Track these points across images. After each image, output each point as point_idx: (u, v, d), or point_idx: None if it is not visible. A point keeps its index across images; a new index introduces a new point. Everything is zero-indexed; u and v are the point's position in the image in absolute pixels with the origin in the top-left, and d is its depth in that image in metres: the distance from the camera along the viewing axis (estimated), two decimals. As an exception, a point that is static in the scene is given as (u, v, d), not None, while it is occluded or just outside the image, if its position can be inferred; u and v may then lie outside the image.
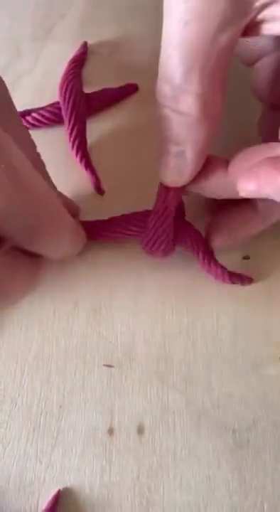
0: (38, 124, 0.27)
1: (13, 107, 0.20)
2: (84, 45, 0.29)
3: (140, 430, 0.22)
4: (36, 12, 0.31)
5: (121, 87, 0.28)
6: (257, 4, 0.16)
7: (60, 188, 0.27)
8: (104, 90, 0.28)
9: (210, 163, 0.20)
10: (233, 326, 0.23)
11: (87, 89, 0.28)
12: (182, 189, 0.21)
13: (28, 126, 0.27)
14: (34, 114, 0.26)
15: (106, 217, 0.25)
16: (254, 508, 0.20)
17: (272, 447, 0.21)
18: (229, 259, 0.25)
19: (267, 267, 0.25)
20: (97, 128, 0.27)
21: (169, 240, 0.22)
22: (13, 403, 0.22)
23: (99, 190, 0.26)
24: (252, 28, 0.17)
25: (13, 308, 0.24)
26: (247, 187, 0.18)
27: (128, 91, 0.28)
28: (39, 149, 0.27)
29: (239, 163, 0.19)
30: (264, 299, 0.24)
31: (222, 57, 0.17)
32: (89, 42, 0.30)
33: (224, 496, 0.21)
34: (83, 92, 0.27)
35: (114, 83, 0.28)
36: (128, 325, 0.23)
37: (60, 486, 0.21)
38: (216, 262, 0.23)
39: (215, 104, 0.18)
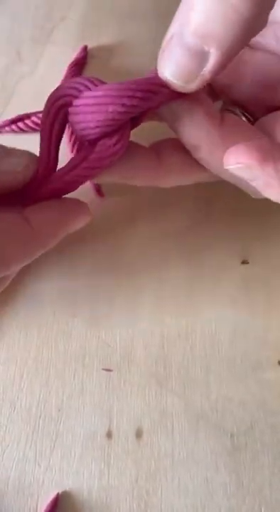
0: (38, 128, 0.27)
1: None
2: (84, 48, 0.29)
3: (138, 433, 0.22)
4: (36, 15, 0.31)
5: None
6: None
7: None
8: None
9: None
10: (231, 330, 0.24)
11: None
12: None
13: (28, 129, 0.27)
14: (34, 118, 0.26)
15: (108, 220, 0.25)
16: (251, 511, 0.21)
17: (270, 451, 0.21)
18: (227, 264, 0.25)
19: (266, 272, 0.25)
20: None
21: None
22: (12, 406, 0.22)
23: (99, 193, 0.26)
24: None
25: (12, 312, 0.24)
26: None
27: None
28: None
29: None
30: (263, 303, 0.24)
31: None
32: (89, 45, 0.30)
33: (221, 499, 0.21)
34: None
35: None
36: (127, 329, 0.23)
37: (59, 489, 0.21)
38: None
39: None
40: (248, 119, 0.21)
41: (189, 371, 0.23)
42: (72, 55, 0.29)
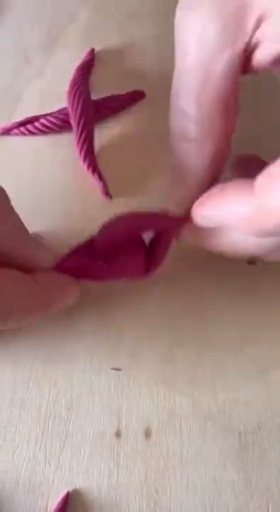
0: (47, 130, 0.27)
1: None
2: (91, 51, 0.30)
3: (147, 433, 0.22)
4: (44, 20, 0.31)
5: (128, 94, 0.28)
6: (249, 27, 0.16)
7: (68, 193, 0.27)
8: (112, 97, 0.28)
9: None
10: (238, 332, 0.24)
11: (95, 96, 0.28)
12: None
13: (36, 131, 0.27)
14: (42, 120, 0.27)
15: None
16: (259, 508, 0.21)
17: (277, 449, 0.22)
18: (233, 264, 0.25)
19: (273, 273, 0.25)
20: (105, 133, 0.28)
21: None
22: (23, 407, 0.22)
23: (106, 194, 0.26)
24: (250, 53, 0.17)
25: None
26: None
27: (135, 97, 0.29)
28: (48, 154, 0.28)
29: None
30: (270, 304, 0.24)
31: (219, 84, 0.17)
32: (96, 49, 0.30)
33: (230, 497, 0.21)
34: (90, 98, 0.28)
35: (121, 89, 0.29)
36: (135, 330, 0.24)
37: (69, 488, 0.21)
38: None
39: (215, 130, 0.18)
40: None
41: (197, 372, 0.23)
42: (79, 58, 0.30)
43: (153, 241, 0.23)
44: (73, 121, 0.27)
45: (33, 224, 0.26)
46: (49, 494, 0.21)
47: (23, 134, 0.27)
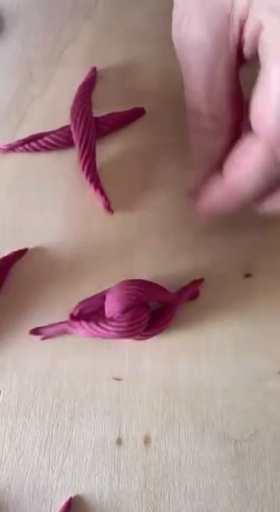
0: (50, 147, 0.28)
1: None
2: (93, 70, 0.31)
3: (147, 440, 0.23)
4: (47, 37, 0.33)
5: (129, 111, 0.29)
6: (235, 31, 0.18)
7: (70, 208, 0.28)
8: (113, 114, 0.29)
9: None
10: (235, 342, 0.25)
11: (97, 113, 0.29)
12: None
13: (40, 148, 0.28)
14: (46, 138, 0.28)
15: (116, 234, 0.26)
16: (255, 515, 0.22)
17: (272, 457, 0.23)
18: (230, 277, 0.26)
19: (269, 285, 0.26)
20: (106, 150, 0.29)
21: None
22: (27, 414, 0.23)
23: (108, 209, 0.27)
24: (241, 49, 0.19)
25: (26, 321, 0.25)
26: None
27: (135, 114, 0.30)
28: (52, 171, 0.29)
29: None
30: (266, 315, 0.25)
31: (222, 87, 0.20)
32: (98, 67, 0.31)
33: (226, 504, 0.22)
34: (93, 115, 0.29)
35: (122, 106, 0.30)
36: (135, 340, 0.25)
37: (72, 494, 0.22)
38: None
39: (227, 122, 0.21)
40: None
41: (195, 381, 0.24)
42: (81, 76, 0.31)
43: (158, 309, 0.25)
44: (76, 138, 0.27)
45: (36, 237, 0.27)
46: (52, 500, 0.22)
47: (27, 151, 0.28)
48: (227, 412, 0.23)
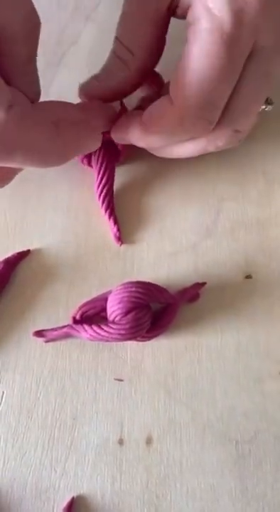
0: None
1: None
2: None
3: (148, 441, 0.23)
4: (49, 39, 0.33)
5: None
6: None
7: (72, 209, 0.28)
8: None
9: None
10: (236, 344, 0.25)
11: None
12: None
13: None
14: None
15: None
16: (255, 515, 0.22)
17: (272, 458, 0.23)
18: (230, 279, 0.26)
19: (269, 286, 0.26)
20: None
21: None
22: (29, 415, 0.24)
23: (118, 240, 0.27)
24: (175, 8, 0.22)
25: (29, 323, 0.25)
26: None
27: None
28: (54, 172, 0.28)
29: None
30: (266, 317, 0.25)
31: (150, 27, 0.22)
32: (99, 69, 0.31)
33: (227, 504, 0.22)
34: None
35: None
36: (137, 341, 0.25)
37: (74, 493, 0.22)
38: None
39: (139, 61, 0.23)
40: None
41: (196, 382, 0.24)
42: (82, 78, 0.31)
43: (160, 310, 0.25)
44: (95, 165, 0.27)
45: (38, 239, 0.27)
46: (55, 499, 0.22)
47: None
48: (228, 414, 0.24)
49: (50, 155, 0.21)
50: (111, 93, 0.25)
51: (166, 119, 0.22)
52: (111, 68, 0.24)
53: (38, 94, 0.24)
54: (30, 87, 0.23)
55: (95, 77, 0.25)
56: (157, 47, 0.23)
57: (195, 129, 0.22)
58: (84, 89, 0.25)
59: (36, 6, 0.22)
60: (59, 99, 0.30)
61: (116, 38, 0.23)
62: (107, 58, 0.24)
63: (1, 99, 0.19)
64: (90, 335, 0.23)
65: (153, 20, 0.22)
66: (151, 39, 0.22)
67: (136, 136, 0.23)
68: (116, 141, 0.25)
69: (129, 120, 0.24)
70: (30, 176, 0.28)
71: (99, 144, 0.24)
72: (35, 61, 0.23)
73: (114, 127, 0.25)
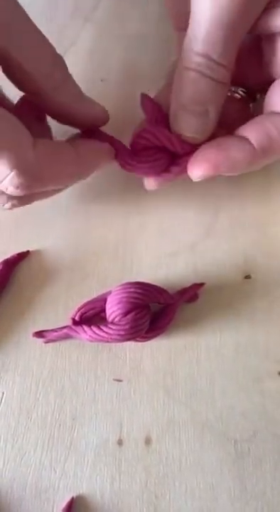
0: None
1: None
2: None
3: (147, 441, 0.23)
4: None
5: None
6: None
7: (71, 210, 0.28)
8: None
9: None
10: (235, 343, 0.25)
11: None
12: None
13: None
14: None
15: (117, 235, 0.27)
16: (254, 514, 0.22)
17: (271, 457, 0.23)
18: (229, 278, 0.26)
19: (268, 286, 0.26)
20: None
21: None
22: (29, 415, 0.24)
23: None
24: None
25: (29, 324, 0.25)
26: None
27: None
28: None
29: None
30: (265, 317, 0.25)
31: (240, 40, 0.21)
32: (99, 70, 0.31)
33: (226, 503, 0.22)
34: None
35: (123, 109, 0.30)
36: (136, 342, 0.25)
37: (74, 493, 0.22)
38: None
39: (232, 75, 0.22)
40: (248, 96, 0.26)
41: (195, 382, 0.24)
42: (81, 79, 0.31)
43: (159, 310, 0.25)
44: None
45: (37, 240, 0.27)
46: (54, 499, 0.22)
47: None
48: (227, 413, 0.24)
49: (75, 175, 0.23)
50: None
51: None
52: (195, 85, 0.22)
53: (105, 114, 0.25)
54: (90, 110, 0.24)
55: None
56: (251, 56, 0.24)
57: None
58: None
59: (36, 6, 0.22)
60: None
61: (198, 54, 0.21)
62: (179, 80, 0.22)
63: (26, 141, 0.20)
64: (89, 336, 0.23)
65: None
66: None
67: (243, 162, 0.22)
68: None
69: (229, 145, 0.22)
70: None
71: (113, 156, 0.24)
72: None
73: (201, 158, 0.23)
